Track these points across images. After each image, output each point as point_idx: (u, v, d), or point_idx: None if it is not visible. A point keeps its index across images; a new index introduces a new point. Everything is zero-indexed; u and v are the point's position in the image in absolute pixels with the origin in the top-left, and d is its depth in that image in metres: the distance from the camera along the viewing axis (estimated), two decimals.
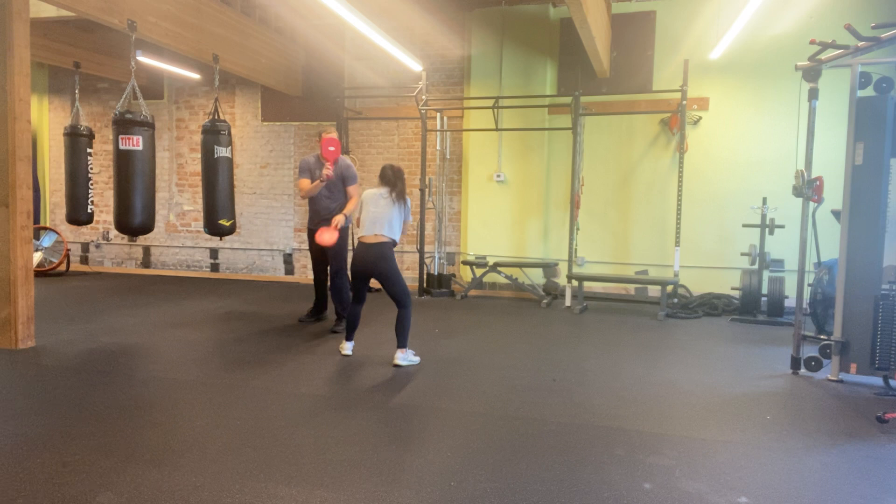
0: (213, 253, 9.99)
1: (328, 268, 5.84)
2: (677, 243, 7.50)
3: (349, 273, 4.85)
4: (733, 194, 7.74)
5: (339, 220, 5.26)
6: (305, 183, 5.56)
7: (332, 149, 5.37)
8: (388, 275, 4.58)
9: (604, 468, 2.87)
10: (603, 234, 8.28)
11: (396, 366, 4.55)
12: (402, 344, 4.62)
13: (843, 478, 2.83)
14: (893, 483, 2.79)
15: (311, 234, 5.80)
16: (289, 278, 9.51)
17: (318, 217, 5.72)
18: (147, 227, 5.93)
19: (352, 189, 5.65)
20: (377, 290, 8.15)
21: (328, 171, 5.36)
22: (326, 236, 5.06)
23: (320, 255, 5.84)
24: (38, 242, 9.17)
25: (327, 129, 5.56)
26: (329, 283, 5.84)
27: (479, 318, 6.64)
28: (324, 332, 5.71)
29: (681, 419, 3.57)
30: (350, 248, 6.03)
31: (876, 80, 4.33)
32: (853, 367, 4.33)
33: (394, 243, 4.68)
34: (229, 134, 6.54)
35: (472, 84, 8.55)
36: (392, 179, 4.68)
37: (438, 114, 8.43)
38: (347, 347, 4.87)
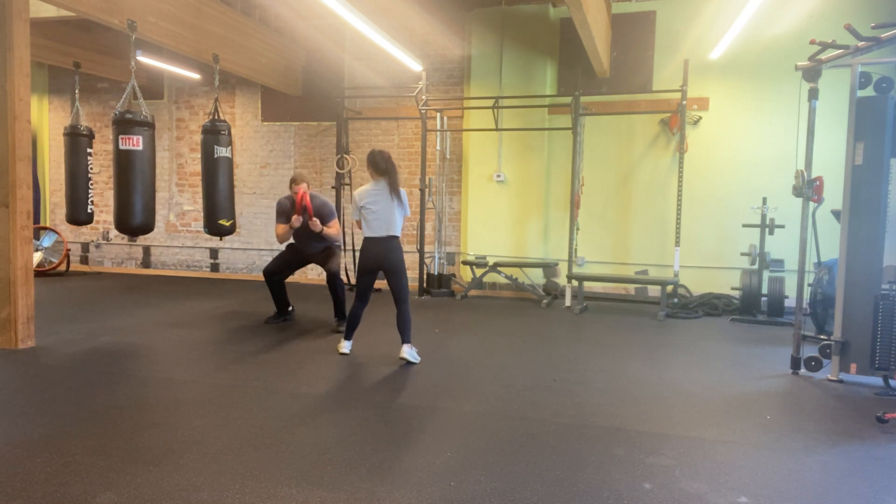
0: (213, 253, 9.99)
1: (289, 274, 6.12)
2: (677, 243, 7.50)
3: (356, 270, 4.92)
4: (733, 194, 7.74)
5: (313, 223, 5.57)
6: (281, 228, 5.75)
7: (302, 202, 5.58)
8: (397, 267, 4.66)
9: (604, 468, 2.87)
10: (603, 234, 8.27)
11: (402, 359, 4.61)
12: (407, 339, 4.67)
13: (843, 478, 2.83)
14: (893, 483, 2.79)
15: (294, 242, 5.95)
16: (288, 279, 9.47)
17: (302, 248, 5.92)
18: (147, 227, 5.94)
19: (330, 224, 5.75)
20: (376, 291, 8.13)
21: (297, 220, 5.59)
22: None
23: (293, 262, 6.01)
24: (38, 242, 9.17)
25: (296, 179, 5.68)
26: (327, 286, 5.88)
27: (479, 318, 6.64)
28: (323, 332, 5.71)
29: (681, 419, 3.57)
30: (343, 248, 6.08)
31: (876, 80, 4.33)
32: (853, 367, 4.33)
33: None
34: (229, 134, 6.55)
35: (472, 84, 8.55)
36: (384, 168, 4.63)
37: (438, 114, 8.43)
38: (345, 346, 4.90)
